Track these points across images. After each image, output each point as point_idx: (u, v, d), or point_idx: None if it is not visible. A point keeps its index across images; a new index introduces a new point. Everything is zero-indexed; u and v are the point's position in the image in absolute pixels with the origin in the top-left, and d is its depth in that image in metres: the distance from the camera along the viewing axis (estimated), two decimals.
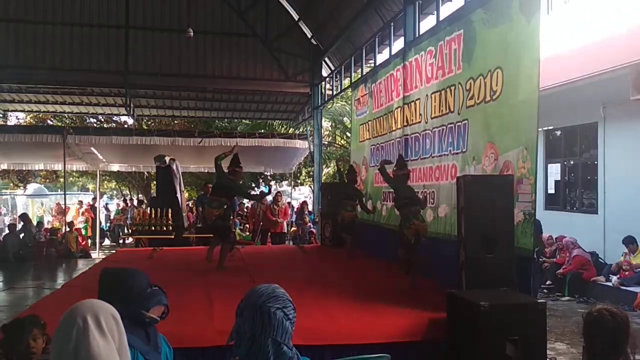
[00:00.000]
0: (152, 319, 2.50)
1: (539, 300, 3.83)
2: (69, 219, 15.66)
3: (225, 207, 6.92)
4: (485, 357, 3.57)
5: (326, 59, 14.19)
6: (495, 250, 4.23)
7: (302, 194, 28.07)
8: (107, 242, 17.54)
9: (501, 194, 4.34)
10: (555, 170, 12.05)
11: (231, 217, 7.23)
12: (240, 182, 7.30)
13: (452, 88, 6.08)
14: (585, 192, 11.13)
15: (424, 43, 6.94)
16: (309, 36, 14.27)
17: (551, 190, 12.16)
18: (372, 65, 10.14)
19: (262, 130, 19.20)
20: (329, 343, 4.06)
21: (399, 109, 7.76)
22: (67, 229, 14.08)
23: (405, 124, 7.49)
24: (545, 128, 11.59)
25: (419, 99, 7.07)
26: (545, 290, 9.65)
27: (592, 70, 8.06)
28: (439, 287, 5.45)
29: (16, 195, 26.52)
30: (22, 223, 14.89)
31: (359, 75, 10.76)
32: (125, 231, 16.64)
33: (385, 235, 8.14)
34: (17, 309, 7.51)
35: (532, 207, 4.68)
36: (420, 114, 7.01)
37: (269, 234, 13.14)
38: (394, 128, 8.02)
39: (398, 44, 8.79)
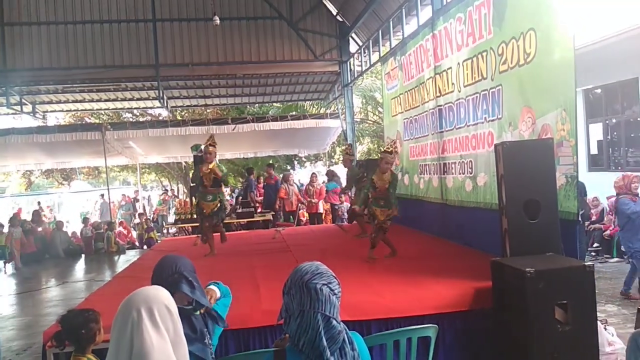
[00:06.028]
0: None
1: (586, 263, 3.75)
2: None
3: (219, 198, 6.88)
4: (534, 323, 3.55)
5: (353, 34, 14.04)
6: (538, 215, 4.17)
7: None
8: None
9: (541, 159, 4.24)
10: (597, 130, 11.72)
11: (225, 206, 7.15)
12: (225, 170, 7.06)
13: (484, 54, 5.95)
14: (630, 150, 10.81)
15: (452, 10, 6.78)
16: (334, 13, 14.14)
17: (594, 151, 11.85)
18: (401, 37, 9.96)
19: (294, 112, 19.26)
20: (374, 317, 4.09)
21: (431, 79, 7.64)
22: (107, 228, 14.45)
23: (438, 94, 7.38)
24: (584, 87, 11.25)
25: (450, 68, 6.94)
26: (593, 253, 9.50)
27: (629, 25, 7.77)
28: (481, 256, 5.43)
29: (61, 193, 27.48)
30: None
31: (388, 49, 10.59)
32: (168, 221, 17.02)
33: (424, 208, 8.11)
34: (72, 302, 7.86)
35: (574, 169, 4.57)
36: (452, 83, 6.89)
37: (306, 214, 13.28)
38: (426, 99, 7.91)
39: (426, 14, 8.62)
